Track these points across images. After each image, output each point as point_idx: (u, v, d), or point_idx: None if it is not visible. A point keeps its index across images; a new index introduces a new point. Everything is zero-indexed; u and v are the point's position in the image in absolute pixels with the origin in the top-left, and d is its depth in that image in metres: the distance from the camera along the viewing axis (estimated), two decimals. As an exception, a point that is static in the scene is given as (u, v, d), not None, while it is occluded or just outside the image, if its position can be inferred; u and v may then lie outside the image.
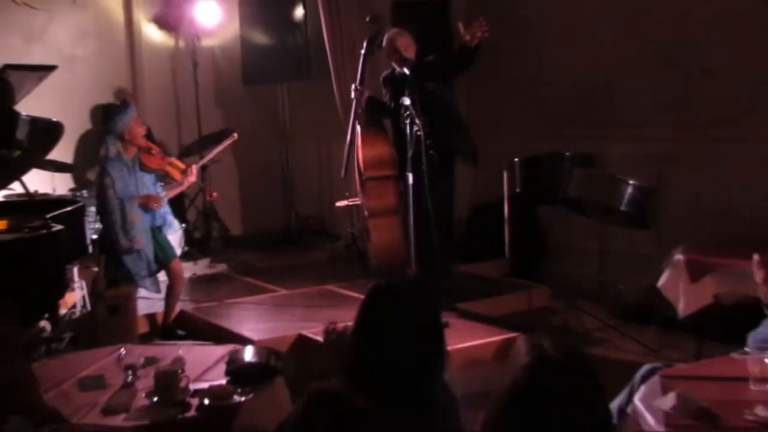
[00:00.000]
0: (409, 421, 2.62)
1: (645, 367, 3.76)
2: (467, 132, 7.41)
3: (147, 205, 6.79)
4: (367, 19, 7.91)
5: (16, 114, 5.69)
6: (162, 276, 7.10)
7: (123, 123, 6.75)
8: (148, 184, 6.93)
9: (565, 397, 1.95)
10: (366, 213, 7.50)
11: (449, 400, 2.80)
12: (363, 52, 7.45)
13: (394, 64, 7.12)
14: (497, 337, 6.32)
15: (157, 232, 6.99)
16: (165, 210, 7.06)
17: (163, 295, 7.08)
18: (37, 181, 8.15)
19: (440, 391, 2.76)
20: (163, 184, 7.09)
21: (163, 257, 7.00)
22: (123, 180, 6.73)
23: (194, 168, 7.30)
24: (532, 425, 1.95)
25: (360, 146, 7.43)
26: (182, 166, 7.22)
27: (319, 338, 5.41)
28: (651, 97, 7.78)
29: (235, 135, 8.20)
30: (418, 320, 2.71)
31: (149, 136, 8.85)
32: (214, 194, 9.25)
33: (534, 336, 2.11)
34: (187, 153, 9.45)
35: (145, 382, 3.81)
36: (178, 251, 7.93)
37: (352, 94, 7.39)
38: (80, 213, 6.60)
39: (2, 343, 2.53)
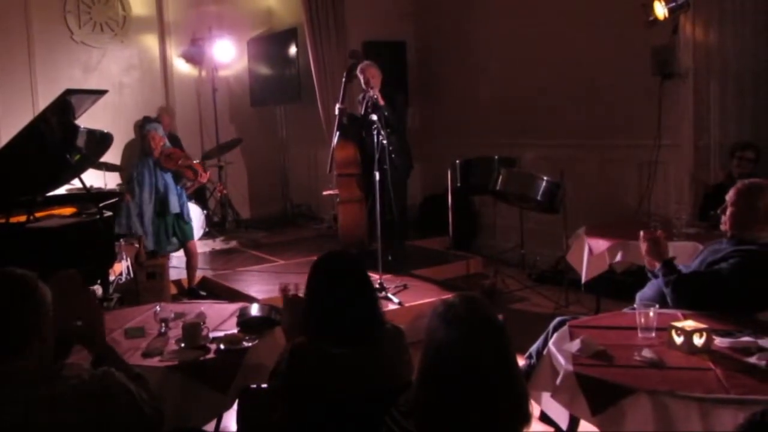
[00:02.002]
0: (361, 354, 2.65)
1: (557, 319, 3.74)
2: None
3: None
4: (348, 54, 7.90)
5: (77, 127, 5.57)
6: (180, 253, 7.06)
7: (146, 129, 6.72)
8: (168, 179, 6.72)
9: (460, 330, 2.02)
10: (338, 200, 7.55)
11: (393, 334, 2.80)
12: (344, 79, 7.40)
13: (363, 87, 7.09)
14: (443, 296, 6.23)
15: (177, 218, 6.78)
16: (184, 201, 6.85)
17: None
18: (93, 178, 8.08)
19: (381, 328, 2.76)
20: (184, 181, 6.91)
21: (182, 238, 6.85)
22: (145, 175, 6.64)
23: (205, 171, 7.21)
24: (443, 350, 2.02)
25: (335, 150, 7.41)
26: (200, 168, 7.08)
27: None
28: (558, 116, 7.80)
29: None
30: (349, 279, 2.74)
31: (178, 143, 8.78)
32: (224, 191, 9.44)
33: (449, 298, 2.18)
34: (207, 156, 9.40)
35: (176, 331, 3.73)
36: (200, 232, 7.86)
37: (336, 111, 7.31)
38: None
39: (90, 294, 2.54)
